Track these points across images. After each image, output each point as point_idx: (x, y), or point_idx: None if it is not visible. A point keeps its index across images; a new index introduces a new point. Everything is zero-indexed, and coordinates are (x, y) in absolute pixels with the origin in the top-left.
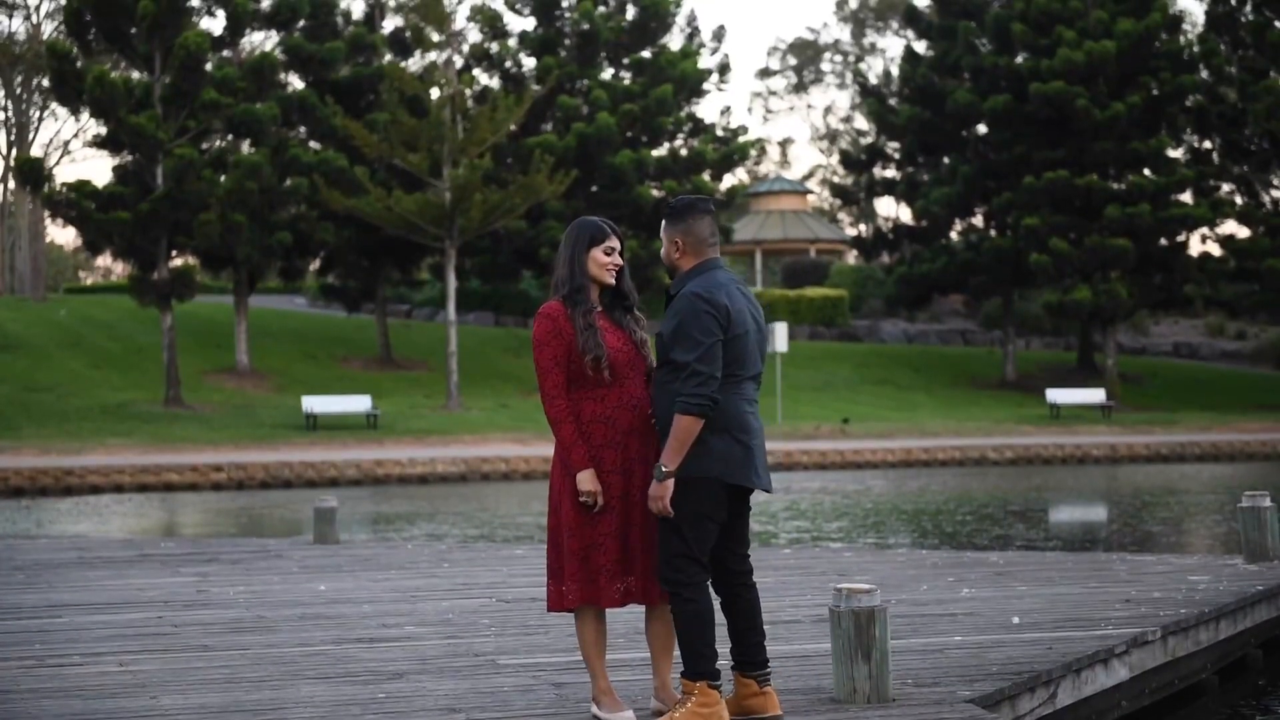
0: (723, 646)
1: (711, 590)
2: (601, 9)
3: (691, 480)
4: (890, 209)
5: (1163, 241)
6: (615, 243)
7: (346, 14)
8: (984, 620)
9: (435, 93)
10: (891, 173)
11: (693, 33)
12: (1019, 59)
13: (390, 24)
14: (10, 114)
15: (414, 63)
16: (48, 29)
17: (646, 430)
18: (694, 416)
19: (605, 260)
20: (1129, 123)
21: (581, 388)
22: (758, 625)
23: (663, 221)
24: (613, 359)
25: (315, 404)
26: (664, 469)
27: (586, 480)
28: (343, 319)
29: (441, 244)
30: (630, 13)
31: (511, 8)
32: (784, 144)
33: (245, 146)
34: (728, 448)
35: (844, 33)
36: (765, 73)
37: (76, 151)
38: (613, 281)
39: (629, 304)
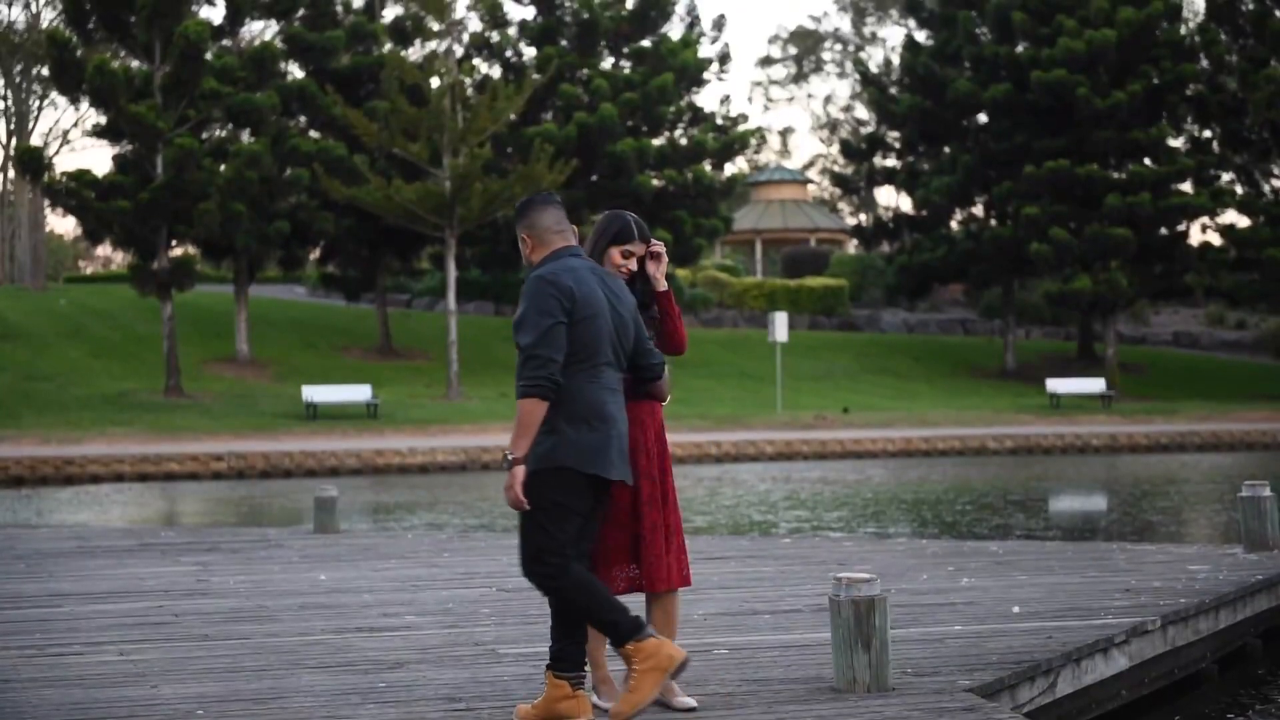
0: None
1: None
2: None
3: (549, 470)
4: (890, 198)
5: (1163, 231)
6: (637, 248)
7: (346, 3)
8: (984, 610)
9: (435, 82)
10: (892, 162)
11: (693, 22)
12: (1019, 48)
13: (390, 13)
14: (10, 103)
15: (414, 52)
16: (47, 18)
17: (646, 419)
18: (534, 399)
19: (620, 262)
20: (1129, 112)
21: None
22: (582, 625)
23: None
24: (661, 356)
25: (315, 393)
26: (509, 456)
27: None
28: (343, 308)
29: (441, 233)
30: (630, 2)
31: None
32: (784, 133)
33: (245, 136)
34: (583, 437)
35: (844, 22)
36: (766, 61)
37: (76, 141)
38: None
39: (641, 296)
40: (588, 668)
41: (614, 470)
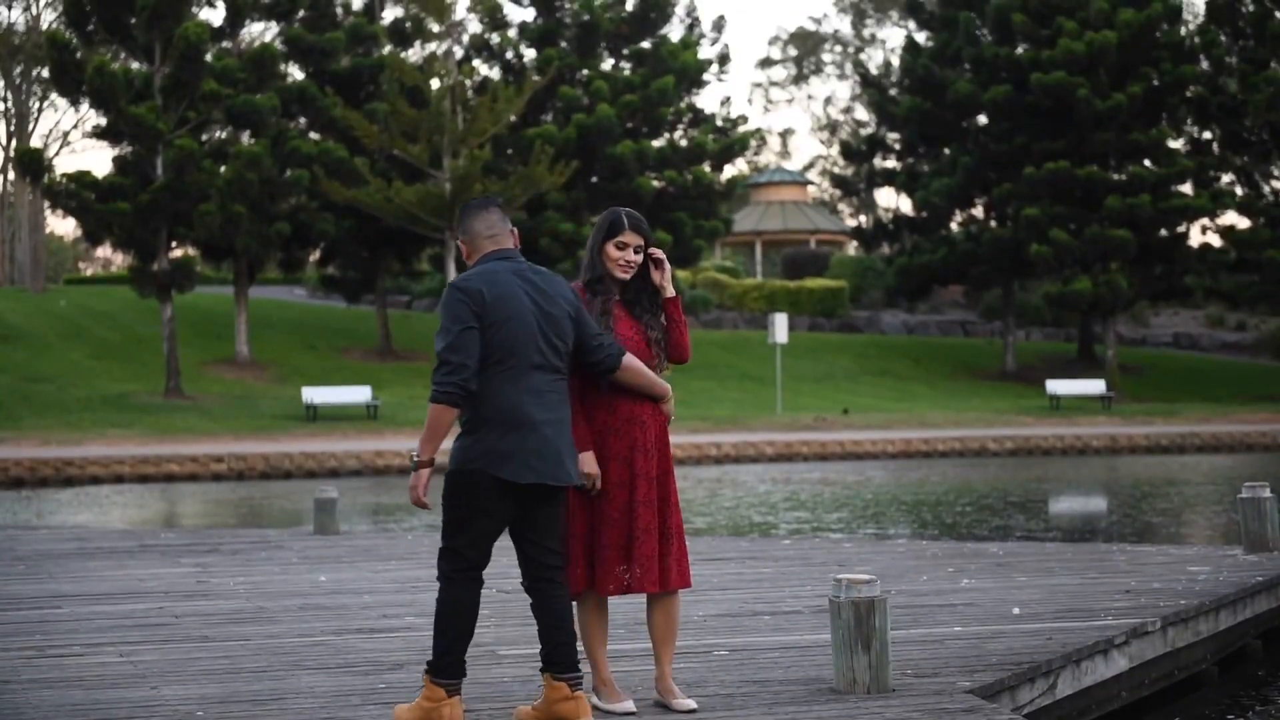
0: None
1: (522, 588)
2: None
3: (460, 472)
4: (890, 200)
5: (1163, 232)
6: (629, 238)
7: (346, 4)
8: (984, 611)
9: (435, 83)
10: (892, 163)
11: (693, 23)
12: (1020, 49)
13: (390, 14)
14: (10, 104)
15: (414, 53)
16: (47, 19)
17: (648, 419)
18: (443, 405)
19: (615, 255)
20: (1129, 113)
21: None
22: (566, 625)
23: None
24: (620, 344)
25: (315, 395)
26: (414, 458)
27: (588, 462)
28: (343, 310)
29: (441, 235)
30: (630, 3)
31: None
32: (784, 135)
33: (245, 137)
34: (496, 439)
35: (844, 23)
36: (766, 63)
37: (76, 142)
38: (623, 277)
39: (652, 298)
40: (585, 668)
41: (528, 474)
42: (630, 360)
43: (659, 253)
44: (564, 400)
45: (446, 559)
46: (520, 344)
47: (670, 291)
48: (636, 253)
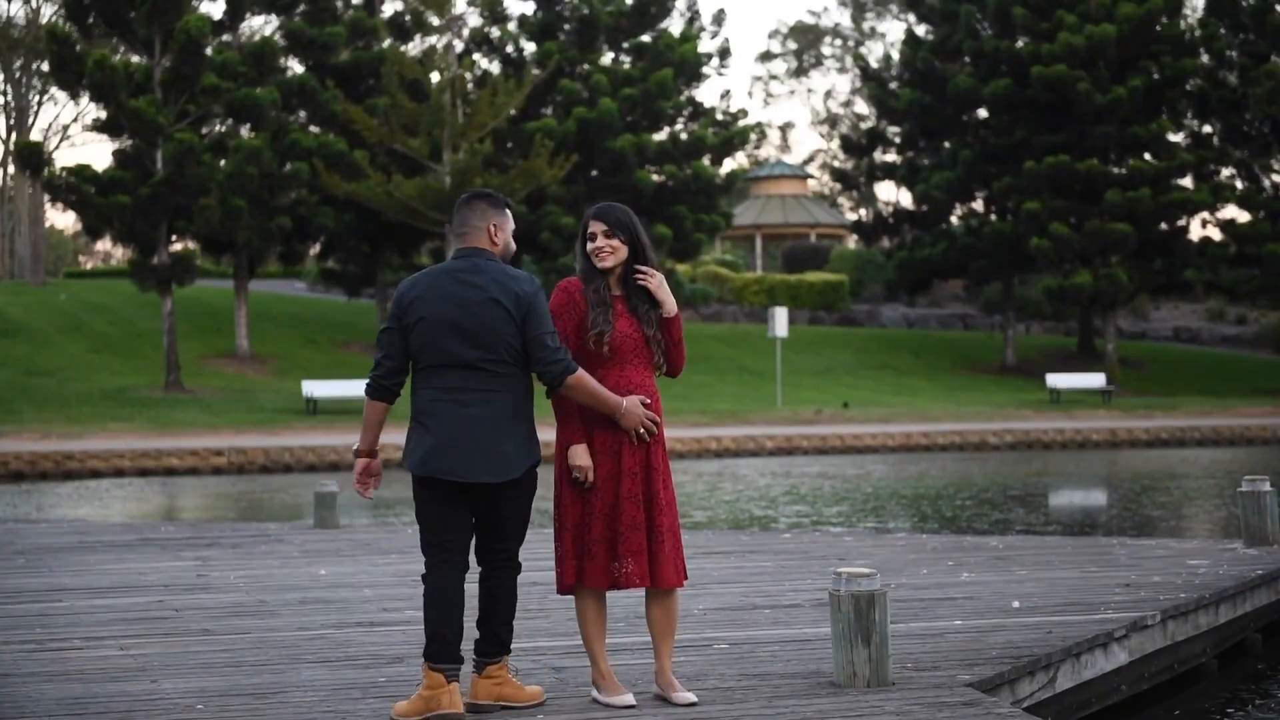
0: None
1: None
2: None
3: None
4: (890, 193)
5: (1163, 226)
6: (594, 227)
7: None
8: (984, 604)
9: (435, 77)
10: (892, 157)
11: (693, 16)
12: (1020, 43)
13: (390, 8)
14: (10, 98)
15: (414, 47)
16: (47, 12)
17: None
18: (367, 399)
19: (589, 248)
20: (1130, 107)
21: (582, 365)
22: (494, 612)
23: None
24: (617, 340)
25: (315, 388)
26: (355, 449)
27: (579, 455)
28: (343, 303)
29: (441, 228)
30: None
31: None
32: (784, 128)
33: (245, 131)
34: (415, 437)
35: (844, 16)
36: (766, 56)
37: (76, 136)
38: (601, 265)
39: (649, 297)
40: (592, 666)
41: (421, 468)
42: (581, 381)
43: (644, 278)
44: (490, 398)
45: (425, 551)
46: (431, 342)
47: (671, 310)
48: (608, 236)
